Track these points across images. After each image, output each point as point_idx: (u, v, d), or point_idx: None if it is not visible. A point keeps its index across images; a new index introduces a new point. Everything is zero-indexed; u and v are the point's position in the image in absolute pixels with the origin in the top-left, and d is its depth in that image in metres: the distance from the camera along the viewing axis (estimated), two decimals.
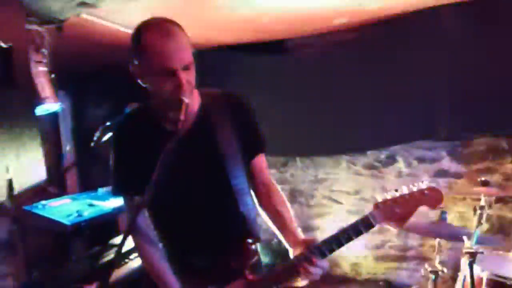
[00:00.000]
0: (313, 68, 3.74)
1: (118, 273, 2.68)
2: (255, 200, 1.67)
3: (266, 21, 3.23)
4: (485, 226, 3.39)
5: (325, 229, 4.03)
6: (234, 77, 3.77)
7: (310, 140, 3.81)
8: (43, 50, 2.41)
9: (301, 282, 1.46)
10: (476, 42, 3.14)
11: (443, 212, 2.64)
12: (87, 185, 3.69)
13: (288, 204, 1.64)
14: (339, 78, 3.61)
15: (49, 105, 2.43)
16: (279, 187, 1.68)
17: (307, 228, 4.02)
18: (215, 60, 3.93)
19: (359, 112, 3.56)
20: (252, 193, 1.66)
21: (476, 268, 2.43)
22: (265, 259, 1.76)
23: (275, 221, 1.62)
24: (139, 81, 1.49)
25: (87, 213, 2.71)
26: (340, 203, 4.06)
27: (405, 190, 1.47)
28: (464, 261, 2.41)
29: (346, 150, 3.90)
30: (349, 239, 1.43)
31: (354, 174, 4.01)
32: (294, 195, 4.20)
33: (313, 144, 3.85)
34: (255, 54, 3.90)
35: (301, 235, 1.54)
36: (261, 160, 1.67)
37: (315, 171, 4.17)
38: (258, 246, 1.67)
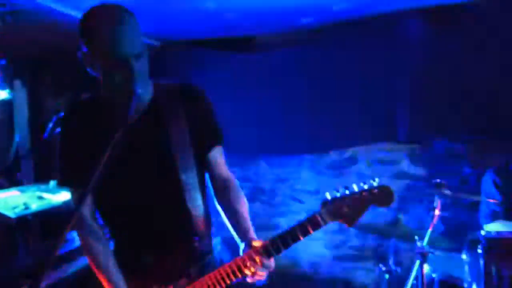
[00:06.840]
0: (279, 67, 3.73)
1: (66, 270, 2.58)
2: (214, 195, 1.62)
3: (232, 17, 3.19)
4: (440, 227, 3.48)
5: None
6: (198, 73, 3.71)
7: (273, 139, 3.81)
8: None
9: (249, 280, 1.43)
10: (437, 46, 3.22)
11: (400, 213, 2.69)
12: (43, 177, 3.54)
13: (245, 201, 1.58)
14: (304, 78, 3.63)
15: None
16: (237, 183, 1.61)
17: (268, 227, 3.99)
18: (180, 55, 3.88)
19: (323, 112, 3.59)
20: (210, 187, 1.61)
21: (428, 269, 2.48)
22: (225, 256, 1.72)
23: (229, 218, 1.56)
24: (88, 69, 1.42)
25: (35, 206, 2.58)
26: (302, 202, 4.06)
27: (355, 188, 1.40)
28: (416, 261, 2.44)
29: (309, 149, 3.90)
30: (297, 238, 1.38)
31: (316, 174, 4.02)
32: (256, 194, 4.18)
33: (276, 143, 3.85)
34: (222, 50, 3.86)
35: (253, 234, 1.50)
36: (217, 154, 1.60)
37: (278, 170, 4.15)
38: (213, 244, 1.62)
